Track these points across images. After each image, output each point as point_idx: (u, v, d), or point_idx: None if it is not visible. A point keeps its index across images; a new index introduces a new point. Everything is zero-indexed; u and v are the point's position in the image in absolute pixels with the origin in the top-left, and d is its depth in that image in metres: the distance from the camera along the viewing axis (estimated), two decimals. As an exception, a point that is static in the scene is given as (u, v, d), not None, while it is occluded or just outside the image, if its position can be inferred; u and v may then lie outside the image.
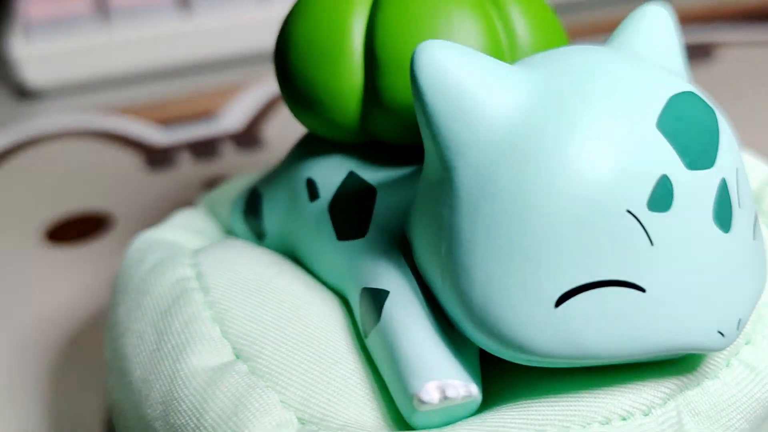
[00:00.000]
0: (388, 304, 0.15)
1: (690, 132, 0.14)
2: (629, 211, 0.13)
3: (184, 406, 0.15)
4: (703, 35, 0.46)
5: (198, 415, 0.15)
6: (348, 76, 0.17)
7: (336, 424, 0.15)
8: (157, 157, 0.38)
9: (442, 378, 0.14)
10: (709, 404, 0.15)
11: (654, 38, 0.16)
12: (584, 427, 0.14)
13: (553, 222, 0.13)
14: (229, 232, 0.22)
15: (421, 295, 0.15)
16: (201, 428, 0.15)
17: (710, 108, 0.15)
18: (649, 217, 0.13)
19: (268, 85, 0.46)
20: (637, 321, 0.13)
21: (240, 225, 0.21)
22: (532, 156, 0.13)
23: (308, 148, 0.19)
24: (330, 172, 0.18)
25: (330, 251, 0.18)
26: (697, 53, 0.44)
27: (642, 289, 0.13)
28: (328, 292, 0.18)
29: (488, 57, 0.14)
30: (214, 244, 0.19)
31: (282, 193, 0.20)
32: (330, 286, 0.18)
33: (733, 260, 0.14)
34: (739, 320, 0.14)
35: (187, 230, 0.21)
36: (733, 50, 0.44)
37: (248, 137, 0.39)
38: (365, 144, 0.18)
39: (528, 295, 0.13)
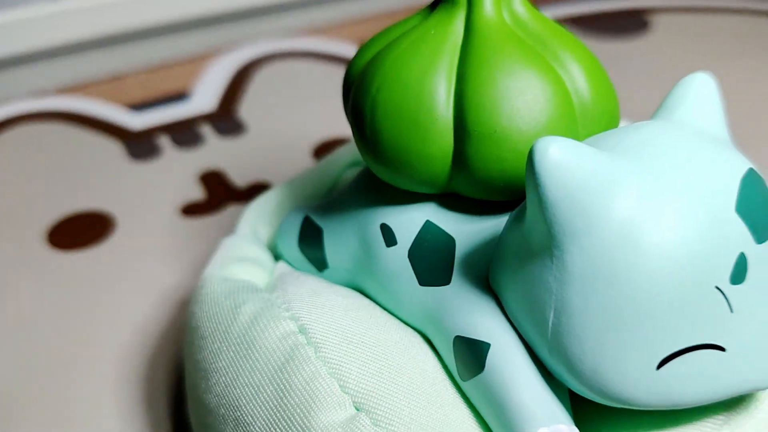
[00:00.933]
0: (491, 356, 0.17)
1: (759, 209, 0.16)
2: (717, 287, 0.16)
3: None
4: (639, 1, 0.48)
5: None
6: (439, 143, 0.18)
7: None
8: (137, 145, 0.37)
9: (550, 424, 0.17)
10: (753, 424, 0.18)
11: (706, 109, 0.18)
12: None
13: (657, 300, 0.15)
14: (276, 255, 0.24)
15: (521, 346, 0.17)
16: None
17: (759, 182, 0.17)
18: (731, 290, 0.16)
19: (234, 55, 0.45)
20: (718, 374, 0.16)
21: (294, 252, 0.23)
22: (640, 245, 0.15)
23: (378, 194, 0.21)
24: (406, 220, 0.20)
25: (412, 295, 0.20)
26: (633, 23, 0.47)
27: (723, 349, 0.16)
28: (414, 333, 0.20)
29: (595, 152, 0.16)
30: (294, 283, 0.20)
31: (350, 233, 0.21)
32: (408, 323, 0.20)
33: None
34: None
35: (246, 263, 0.22)
36: (669, 17, 0.47)
37: (224, 119, 0.39)
38: (440, 194, 0.20)
39: (635, 361, 0.16)
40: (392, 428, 0.17)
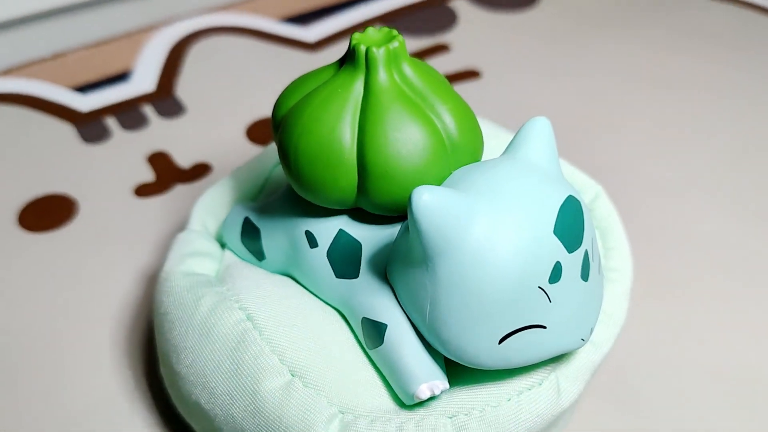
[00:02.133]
0: (388, 333, 0.24)
1: (571, 228, 0.23)
2: (539, 287, 0.23)
3: (267, 413, 0.23)
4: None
5: (278, 419, 0.23)
6: (346, 178, 0.24)
7: (364, 410, 0.24)
8: (87, 127, 0.42)
9: (429, 380, 0.24)
10: (572, 370, 0.25)
11: (543, 149, 0.25)
12: (517, 394, 0.24)
13: (497, 299, 0.22)
14: (222, 244, 0.30)
15: (409, 325, 0.24)
16: (282, 428, 0.23)
17: (580, 204, 0.24)
18: (549, 287, 0.23)
19: (168, 31, 0.49)
20: (541, 344, 0.23)
21: (237, 245, 0.29)
22: (485, 262, 0.22)
23: (302, 206, 0.27)
24: (324, 228, 0.26)
25: (330, 284, 0.26)
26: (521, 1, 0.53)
27: (545, 327, 0.23)
28: (333, 312, 0.26)
29: (456, 194, 0.22)
30: (240, 276, 0.27)
31: (281, 235, 0.27)
32: (328, 304, 0.27)
33: (589, 295, 0.24)
34: (591, 328, 0.24)
35: (199, 257, 0.28)
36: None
37: (164, 99, 0.44)
38: (350, 209, 0.26)
39: (483, 339, 0.23)
40: (318, 387, 0.24)
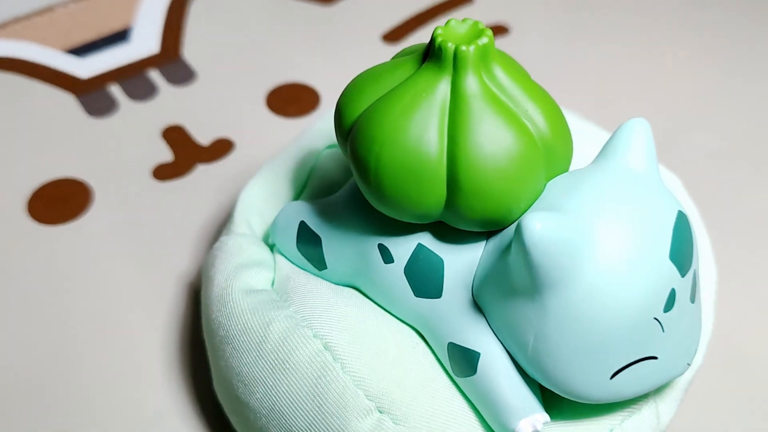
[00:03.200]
0: (482, 363, 0.22)
1: (683, 249, 0.21)
2: (655, 318, 0.21)
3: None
4: None
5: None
6: (434, 194, 0.22)
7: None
8: (90, 98, 0.38)
9: (529, 415, 0.22)
10: (669, 391, 0.24)
11: (643, 154, 0.22)
12: (620, 423, 0.23)
13: (612, 333, 0.20)
14: (271, 245, 0.27)
15: (505, 353, 0.22)
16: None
17: (688, 219, 0.22)
18: (664, 317, 0.21)
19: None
20: (651, 374, 0.22)
21: (293, 251, 0.26)
22: (603, 292, 0.20)
23: (374, 215, 0.24)
24: (400, 242, 0.24)
25: (408, 303, 0.24)
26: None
27: (656, 358, 0.22)
28: (412, 333, 0.24)
29: (567, 221, 0.20)
30: (307, 296, 0.24)
31: (348, 246, 0.25)
32: (404, 322, 0.25)
33: (696, 317, 0.23)
34: (695, 351, 0.23)
35: (254, 268, 0.26)
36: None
37: (171, 62, 0.40)
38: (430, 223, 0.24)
39: (594, 375, 0.21)
40: (408, 423, 0.22)
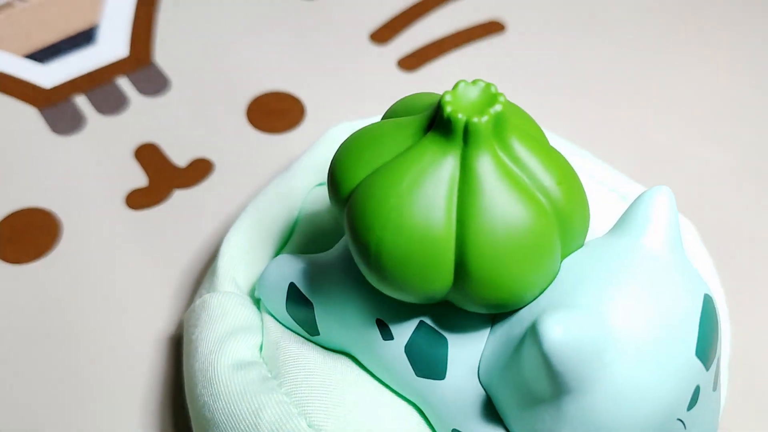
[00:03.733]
0: None
1: (709, 341, 0.20)
2: (678, 419, 0.19)
3: None
4: None
5: None
6: (441, 281, 0.20)
7: None
8: (55, 112, 0.35)
9: None
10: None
11: (666, 230, 0.21)
12: None
13: (637, 429, 0.19)
14: (256, 299, 0.25)
15: None
16: None
17: (713, 303, 0.20)
18: (686, 415, 0.19)
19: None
20: None
21: (282, 313, 0.24)
22: (626, 398, 0.18)
23: (372, 289, 0.22)
24: (401, 319, 0.22)
25: (409, 382, 0.22)
26: None
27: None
28: (413, 412, 0.22)
29: (589, 322, 0.18)
30: (300, 374, 0.22)
31: (343, 317, 0.23)
32: (401, 396, 0.23)
33: (716, 403, 0.21)
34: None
35: (240, 334, 0.24)
36: None
37: (141, 69, 0.37)
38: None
39: None
40: None
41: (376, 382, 0.23)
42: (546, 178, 0.20)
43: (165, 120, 0.35)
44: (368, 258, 0.20)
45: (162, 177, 0.33)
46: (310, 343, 0.24)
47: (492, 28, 0.40)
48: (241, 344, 0.24)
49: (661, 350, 0.19)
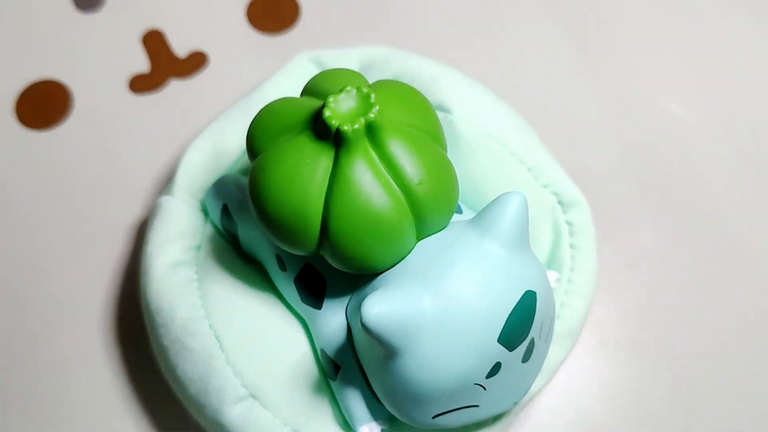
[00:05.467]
0: (340, 374, 0.26)
1: (517, 330, 0.24)
2: (476, 383, 0.24)
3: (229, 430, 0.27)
4: None
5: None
6: (309, 246, 0.24)
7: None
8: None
9: (369, 422, 0.27)
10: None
11: (511, 230, 0.24)
12: None
13: (435, 393, 0.24)
14: (205, 211, 0.31)
15: (359, 372, 0.26)
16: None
17: (534, 298, 0.24)
18: (486, 382, 0.24)
19: None
20: (473, 414, 0.26)
21: (218, 223, 0.30)
22: (427, 367, 0.23)
23: None
24: (293, 257, 0.27)
25: (296, 303, 0.28)
26: None
27: (477, 405, 0.25)
28: (300, 328, 0.28)
29: (407, 305, 0.23)
30: (214, 279, 0.28)
31: (256, 244, 0.28)
32: (296, 314, 0.29)
33: (527, 371, 0.26)
34: (526, 391, 0.26)
35: (181, 239, 0.29)
36: None
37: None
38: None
39: (418, 415, 0.25)
40: (275, 408, 0.27)
41: (276, 302, 0.29)
42: (410, 176, 0.24)
43: (174, 7, 0.39)
44: (258, 216, 0.25)
45: (162, 64, 0.38)
46: (237, 256, 0.30)
47: None
48: (179, 247, 0.29)
49: (464, 334, 0.23)
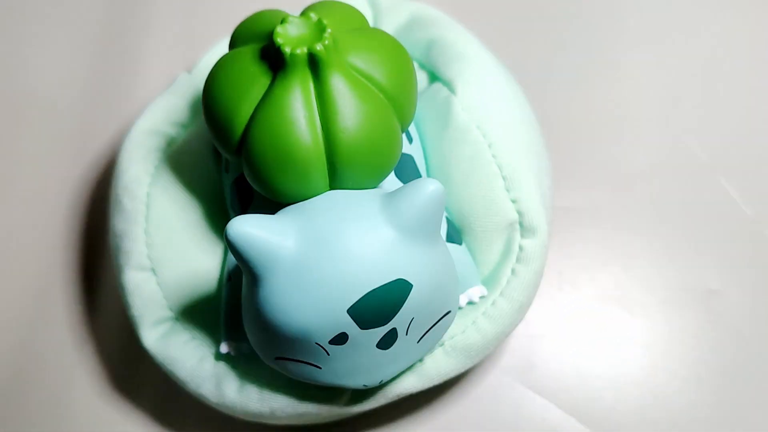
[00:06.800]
0: (226, 287, 0.27)
1: (370, 312, 0.23)
2: (317, 343, 0.24)
3: (126, 295, 0.29)
4: None
5: (128, 304, 0.28)
6: (231, 145, 0.25)
7: (193, 327, 0.28)
8: None
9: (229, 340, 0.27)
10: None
11: (417, 218, 0.23)
12: None
13: (277, 333, 0.24)
14: None
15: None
16: (130, 311, 0.28)
17: (406, 289, 0.23)
18: (330, 346, 0.24)
19: None
20: (315, 376, 0.25)
21: None
22: (276, 304, 0.23)
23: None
24: (233, 166, 0.28)
25: (230, 207, 0.29)
26: None
27: (319, 367, 0.25)
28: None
29: (272, 224, 0.23)
30: (159, 218, 0.29)
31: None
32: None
33: (384, 361, 0.25)
34: (381, 380, 0.25)
35: (175, 113, 0.31)
36: None
37: None
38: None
39: (266, 350, 0.25)
40: (167, 288, 0.28)
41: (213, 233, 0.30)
42: (338, 123, 0.24)
43: None
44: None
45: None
46: (202, 176, 0.30)
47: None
48: (165, 118, 0.31)
49: (316, 288, 0.23)
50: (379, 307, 0.23)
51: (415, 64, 0.31)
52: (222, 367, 0.28)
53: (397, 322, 0.24)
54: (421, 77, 0.31)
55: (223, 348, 0.27)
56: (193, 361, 0.28)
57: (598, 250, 0.34)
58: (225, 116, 0.24)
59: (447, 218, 0.28)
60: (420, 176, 0.28)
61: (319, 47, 0.23)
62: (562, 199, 0.34)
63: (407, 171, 0.28)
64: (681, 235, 0.34)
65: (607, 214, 0.34)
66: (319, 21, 0.23)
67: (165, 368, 0.28)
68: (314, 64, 0.23)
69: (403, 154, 0.28)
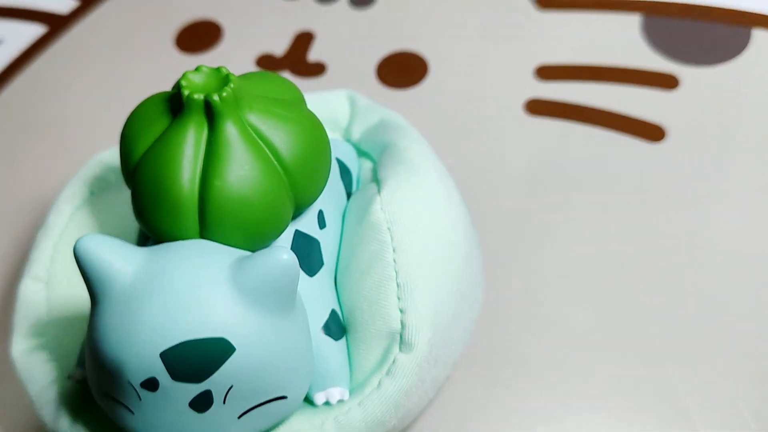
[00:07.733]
0: None
1: (183, 363, 0.22)
2: (129, 382, 0.23)
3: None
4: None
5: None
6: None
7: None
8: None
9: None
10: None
11: (267, 280, 0.22)
12: None
13: (99, 359, 0.23)
14: None
15: None
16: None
17: (223, 352, 0.22)
18: (141, 390, 0.22)
19: None
20: (131, 423, 0.24)
21: None
22: (105, 332, 0.22)
23: None
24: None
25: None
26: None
27: (132, 412, 0.24)
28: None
29: (119, 247, 0.23)
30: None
31: None
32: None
33: (199, 426, 0.23)
34: None
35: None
36: None
37: None
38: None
39: (94, 382, 0.24)
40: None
41: None
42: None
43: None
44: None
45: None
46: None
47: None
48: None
49: (138, 320, 0.22)
50: (193, 361, 0.22)
51: (369, 164, 0.31)
52: (67, 396, 0.27)
53: (213, 384, 0.23)
54: (369, 177, 0.31)
55: (75, 374, 0.27)
56: (44, 381, 0.27)
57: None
58: (126, 148, 0.25)
59: (334, 311, 0.27)
60: (322, 263, 0.27)
61: (215, 97, 0.24)
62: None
63: (306, 252, 0.27)
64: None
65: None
66: (228, 75, 0.24)
67: (21, 382, 0.28)
68: (210, 111, 0.24)
69: (308, 236, 0.27)
